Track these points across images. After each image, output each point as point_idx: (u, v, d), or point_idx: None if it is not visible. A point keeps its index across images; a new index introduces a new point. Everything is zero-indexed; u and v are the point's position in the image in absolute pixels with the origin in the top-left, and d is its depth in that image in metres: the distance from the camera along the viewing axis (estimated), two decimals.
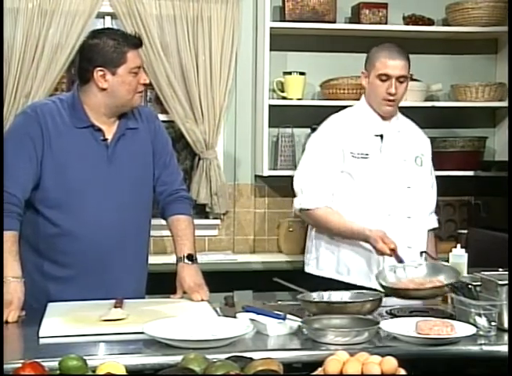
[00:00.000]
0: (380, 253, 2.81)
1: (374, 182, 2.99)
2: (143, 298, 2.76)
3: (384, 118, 3.06)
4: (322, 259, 3.08)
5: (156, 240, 4.04)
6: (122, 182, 2.65)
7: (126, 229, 2.65)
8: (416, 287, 2.50)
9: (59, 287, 2.61)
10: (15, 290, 2.41)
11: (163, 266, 3.30)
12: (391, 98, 2.99)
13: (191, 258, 2.70)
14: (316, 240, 3.11)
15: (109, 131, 2.66)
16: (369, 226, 2.89)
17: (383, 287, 2.55)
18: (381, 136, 3.04)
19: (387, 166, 3.02)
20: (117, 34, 2.65)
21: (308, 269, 3.15)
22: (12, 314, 2.35)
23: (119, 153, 2.66)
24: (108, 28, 2.67)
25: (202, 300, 2.58)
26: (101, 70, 2.57)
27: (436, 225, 3.27)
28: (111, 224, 2.62)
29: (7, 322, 2.33)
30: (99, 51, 2.57)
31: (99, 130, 2.64)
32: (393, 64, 2.97)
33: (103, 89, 2.59)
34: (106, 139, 2.65)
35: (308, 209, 3.01)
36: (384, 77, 2.97)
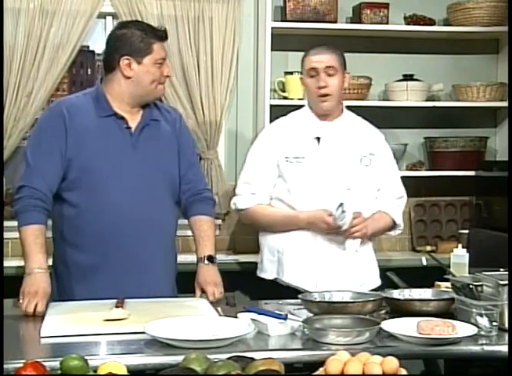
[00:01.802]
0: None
1: (309, 185, 2.96)
2: (173, 288, 2.81)
3: (324, 119, 3.03)
4: (265, 261, 3.08)
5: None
6: (146, 168, 2.69)
7: (150, 216, 2.68)
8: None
9: (85, 277, 2.65)
10: (41, 280, 2.46)
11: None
12: (323, 92, 2.96)
13: (211, 259, 2.76)
14: (261, 241, 3.14)
15: (133, 119, 2.72)
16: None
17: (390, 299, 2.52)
18: (318, 139, 3.00)
19: (324, 168, 2.97)
20: (144, 25, 2.76)
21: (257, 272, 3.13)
22: (39, 304, 2.41)
23: (143, 140, 2.72)
24: (136, 20, 2.89)
25: (214, 297, 2.64)
26: (127, 59, 2.65)
27: (392, 212, 3.08)
28: (134, 209, 2.65)
29: (34, 312, 2.39)
30: (127, 40, 2.66)
31: (122, 118, 2.70)
32: (318, 58, 2.97)
33: (128, 78, 2.67)
34: (129, 127, 2.70)
35: (241, 209, 3.06)
36: (313, 72, 2.97)
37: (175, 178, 2.80)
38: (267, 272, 3.05)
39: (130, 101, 2.71)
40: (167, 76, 2.74)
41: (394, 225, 3.12)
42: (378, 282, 3.04)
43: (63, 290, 2.68)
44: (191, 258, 3.15)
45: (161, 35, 2.71)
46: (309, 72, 2.97)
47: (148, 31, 2.68)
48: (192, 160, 2.87)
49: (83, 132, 2.65)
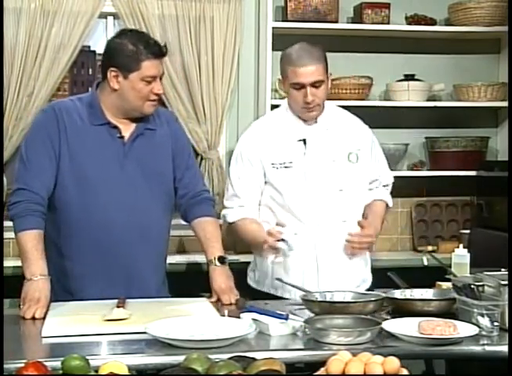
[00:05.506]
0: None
1: (300, 190, 2.83)
2: (166, 294, 2.78)
3: (307, 121, 2.89)
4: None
5: None
6: (138, 178, 2.67)
7: (140, 225, 2.66)
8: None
9: (80, 285, 2.64)
10: (43, 287, 2.45)
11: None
12: (310, 106, 2.81)
13: (222, 260, 2.73)
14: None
15: (127, 129, 2.68)
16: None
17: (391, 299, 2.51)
18: (304, 141, 2.87)
19: (314, 171, 2.84)
20: (141, 40, 2.61)
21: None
22: (39, 311, 2.39)
23: (136, 150, 2.68)
24: (136, 31, 2.78)
25: (231, 303, 2.60)
26: (114, 71, 2.59)
27: (384, 197, 3.05)
28: (125, 219, 2.63)
29: (34, 318, 2.38)
30: (117, 52, 2.59)
31: (115, 127, 2.66)
32: (304, 72, 2.75)
33: (115, 90, 2.62)
34: (122, 137, 2.67)
35: (231, 223, 2.95)
36: (298, 86, 2.77)
37: (171, 187, 2.77)
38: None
39: (118, 113, 2.66)
40: (158, 94, 2.63)
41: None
42: (369, 282, 2.98)
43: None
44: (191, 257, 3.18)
45: (155, 52, 2.58)
46: (294, 86, 2.78)
47: (140, 47, 2.56)
48: (189, 163, 2.81)
49: (75, 139, 2.62)
